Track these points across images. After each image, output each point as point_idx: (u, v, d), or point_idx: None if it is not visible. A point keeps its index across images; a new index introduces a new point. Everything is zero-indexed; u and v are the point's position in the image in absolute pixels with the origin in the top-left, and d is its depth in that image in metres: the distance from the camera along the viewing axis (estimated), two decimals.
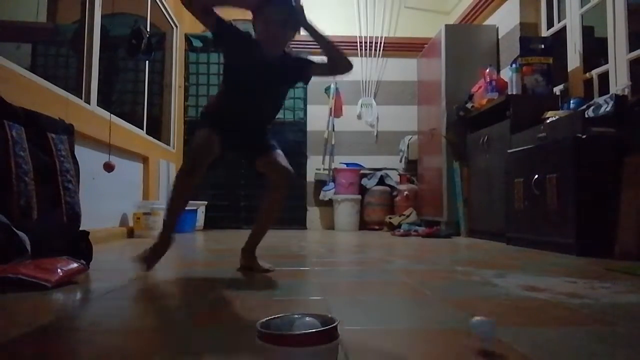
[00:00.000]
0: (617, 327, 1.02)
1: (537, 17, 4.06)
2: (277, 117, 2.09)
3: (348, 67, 1.92)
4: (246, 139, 1.92)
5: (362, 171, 5.51)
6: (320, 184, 5.59)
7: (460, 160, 4.18)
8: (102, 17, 3.36)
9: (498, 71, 4.23)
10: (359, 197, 5.34)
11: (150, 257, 1.80)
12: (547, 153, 2.77)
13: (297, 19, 1.78)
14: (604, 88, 3.19)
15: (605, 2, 3.17)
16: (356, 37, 5.72)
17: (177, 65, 5.35)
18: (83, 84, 3.18)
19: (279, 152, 1.92)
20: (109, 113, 3.35)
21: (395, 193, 5.39)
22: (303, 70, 1.96)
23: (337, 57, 1.90)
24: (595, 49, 3.42)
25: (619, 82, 3.02)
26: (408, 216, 5.08)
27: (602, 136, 2.55)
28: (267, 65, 1.84)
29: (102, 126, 3.16)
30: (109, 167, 2.91)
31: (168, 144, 5.11)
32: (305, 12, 1.79)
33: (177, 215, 1.84)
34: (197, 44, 5.59)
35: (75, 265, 1.60)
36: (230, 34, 1.84)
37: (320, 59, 1.94)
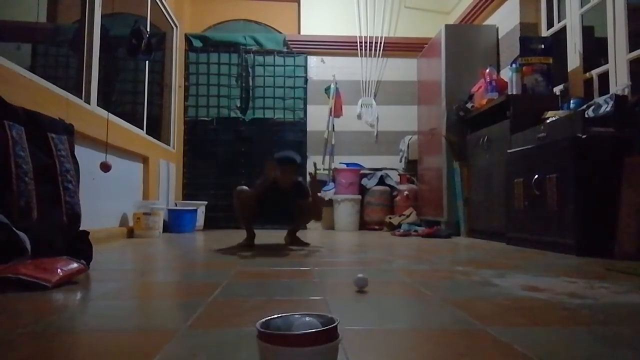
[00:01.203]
0: (617, 327, 1.02)
1: (537, 17, 4.06)
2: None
3: (319, 216, 3.38)
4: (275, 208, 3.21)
5: (362, 171, 5.51)
6: (320, 184, 5.58)
7: (460, 160, 4.18)
8: (102, 17, 3.36)
9: (498, 71, 4.23)
10: (359, 197, 5.34)
11: (248, 245, 3.04)
12: (547, 153, 2.77)
13: (298, 169, 3.09)
14: (604, 88, 3.19)
15: (605, 2, 3.17)
16: (356, 37, 5.73)
17: (177, 65, 5.35)
18: (83, 84, 3.18)
19: (310, 199, 3.18)
20: (107, 112, 3.35)
21: (395, 193, 5.38)
22: (300, 194, 3.18)
23: (316, 203, 3.19)
24: (595, 49, 3.42)
25: (619, 82, 3.02)
26: (408, 216, 5.08)
27: (602, 136, 2.55)
28: (281, 191, 3.05)
29: (102, 126, 3.16)
30: (105, 167, 2.89)
31: (168, 144, 5.11)
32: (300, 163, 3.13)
33: (250, 223, 3.11)
34: (197, 44, 5.59)
35: (75, 265, 1.60)
36: (265, 188, 3.03)
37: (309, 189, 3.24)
